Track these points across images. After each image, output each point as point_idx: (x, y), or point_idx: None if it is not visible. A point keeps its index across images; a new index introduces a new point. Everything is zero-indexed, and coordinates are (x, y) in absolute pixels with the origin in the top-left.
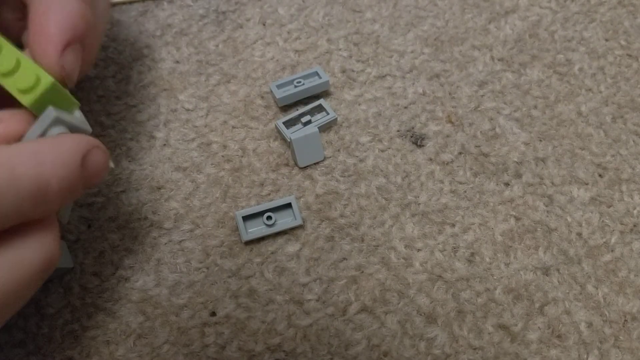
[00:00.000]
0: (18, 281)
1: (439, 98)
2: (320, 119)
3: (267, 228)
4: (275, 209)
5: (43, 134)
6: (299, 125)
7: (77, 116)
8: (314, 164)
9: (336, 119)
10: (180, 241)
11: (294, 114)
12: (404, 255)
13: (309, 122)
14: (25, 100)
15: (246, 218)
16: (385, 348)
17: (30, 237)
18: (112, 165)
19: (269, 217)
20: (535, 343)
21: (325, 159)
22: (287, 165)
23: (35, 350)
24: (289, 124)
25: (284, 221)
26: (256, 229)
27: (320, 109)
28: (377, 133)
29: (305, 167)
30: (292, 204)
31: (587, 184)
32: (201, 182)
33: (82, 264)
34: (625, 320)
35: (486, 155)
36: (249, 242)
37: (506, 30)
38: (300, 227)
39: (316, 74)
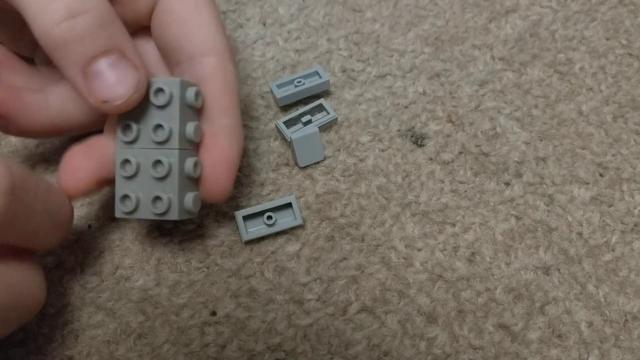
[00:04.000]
0: None
1: (440, 97)
2: (320, 118)
3: (267, 228)
4: (275, 209)
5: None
6: (299, 125)
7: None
8: (314, 163)
9: (337, 118)
10: (181, 241)
11: (294, 113)
12: (405, 255)
13: (309, 121)
14: None
15: (246, 218)
16: (386, 348)
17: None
18: None
19: (269, 217)
20: (535, 343)
21: (325, 158)
22: (287, 165)
23: (35, 350)
24: (289, 123)
25: (284, 221)
26: (256, 228)
27: (320, 108)
28: (377, 133)
29: (305, 167)
30: (293, 204)
31: (587, 183)
32: None
33: (82, 263)
34: (626, 320)
35: (487, 154)
36: (249, 242)
37: (507, 30)
38: (301, 226)
39: (316, 73)
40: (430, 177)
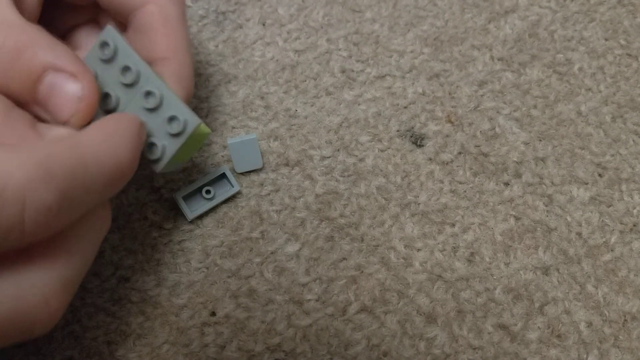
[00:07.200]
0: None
1: (439, 98)
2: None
3: (208, 202)
4: (211, 182)
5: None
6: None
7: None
8: (314, 162)
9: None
10: (180, 241)
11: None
12: (404, 255)
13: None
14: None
15: (186, 198)
16: (385, 348)
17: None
18: None
19: (207, 191)
20: (535, 343)
21: (324, 159)
22: (286, 165)
23: (35, 350)
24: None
25: (222, 191)
26: (198, 205)
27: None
28: (376, 133)
29: (304, 167)
30: (226, 173)
31: (586, 183)
32: None
33: None
34: (625, 320)
35: (486, 155)
36: (248, 242)
37: (506, 30)
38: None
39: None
40: (429, 177)
